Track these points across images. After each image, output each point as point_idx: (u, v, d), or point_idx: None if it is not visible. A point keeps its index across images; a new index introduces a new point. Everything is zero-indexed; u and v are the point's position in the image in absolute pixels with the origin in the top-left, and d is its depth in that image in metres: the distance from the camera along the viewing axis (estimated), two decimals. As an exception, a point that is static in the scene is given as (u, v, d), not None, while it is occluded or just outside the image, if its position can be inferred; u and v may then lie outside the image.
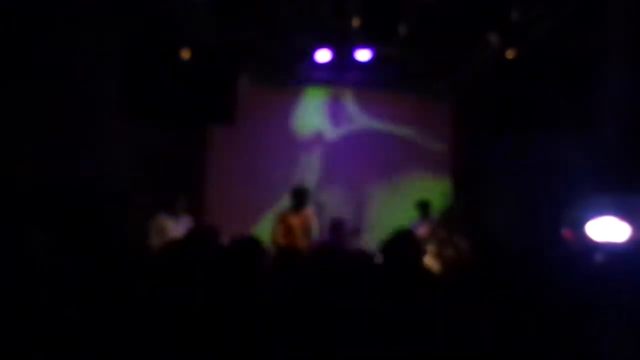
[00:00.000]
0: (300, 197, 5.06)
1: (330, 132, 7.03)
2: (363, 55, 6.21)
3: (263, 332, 1.50)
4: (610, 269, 3.10)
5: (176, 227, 4.52)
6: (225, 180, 6.59)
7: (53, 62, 4.56)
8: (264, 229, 6.25)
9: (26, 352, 1.33)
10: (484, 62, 6.12)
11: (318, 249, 2.44)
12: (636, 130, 5.33)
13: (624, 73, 5.30)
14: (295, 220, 5.00)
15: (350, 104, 7.09)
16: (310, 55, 6.31)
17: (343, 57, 6.31)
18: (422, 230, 5.37)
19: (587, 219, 4.85)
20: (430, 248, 5.08)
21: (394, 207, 6.90)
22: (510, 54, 5.60)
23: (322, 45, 6.24)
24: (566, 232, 5.10)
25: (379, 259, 2.35)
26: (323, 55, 6.26)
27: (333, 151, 6.97)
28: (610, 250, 3.97)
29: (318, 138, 7.00)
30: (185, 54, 5.93)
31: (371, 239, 5.59)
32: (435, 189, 6.89)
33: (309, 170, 6.85)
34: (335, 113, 7.06)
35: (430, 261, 4.94)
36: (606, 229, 4.78)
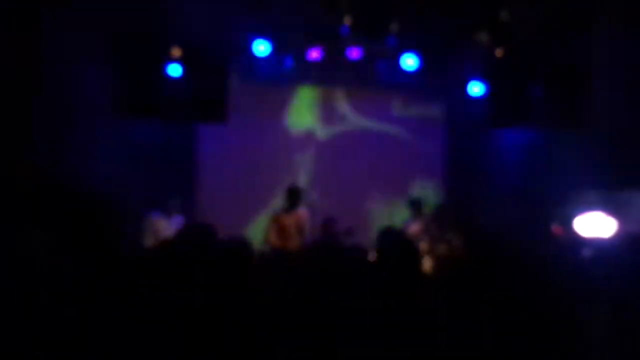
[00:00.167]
0: (294, 197, 5.07)
1: (322, 131, 7.04)
2: (354, 54, 6.23)
3: (263, 332, 1.51)
4: (597, 263, 3.15)
5: (169, 227, 4.53)
6: (216, 179, 6.57)
7: (42, 59, 4.53)
8: (257, 229, 6.26)
9: (20, 351, 1.33)
10: (476, 59, 6.18)
11: (312, 247, 2.46)
12: (624, 129, 5.41)
13: (612, 72, 5.38)
14: (288, 220, 5.01)
15: (341, 102, 7.11)
16: (302, 53, 6.31)
17: (334, 55, 6.33)
18: (414, 228, 5.41)
19: (576, 215, 4.93)
20: (423, 245, 5.13)
21: (387, 206, 6.94)
22: (499, 52, 5.67)
23: (313, 43, 6.25)
24: (556, 228, 5.18)
25: (372, 256, 2.38)
26: (314, 54, 6.21)
27: (324, 150, 6.97)
28: (598, 245, 4.03)
29: (309, 137, 7.00)
30: (176, 52, 5.91)
31: (364, 238, 5.62)
32: (427, 187, 6.94)
33: (301, 170, 6.85)
34: (327, 112, 7.06)
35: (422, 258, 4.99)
36: (594, 225, 4.86)
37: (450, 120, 7.15)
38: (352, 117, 7.09)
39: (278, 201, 6.57)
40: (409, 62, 6.24)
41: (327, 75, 6.80)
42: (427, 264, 4.84)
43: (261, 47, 6.09)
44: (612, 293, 2.31)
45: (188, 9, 5.48)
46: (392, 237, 2.66)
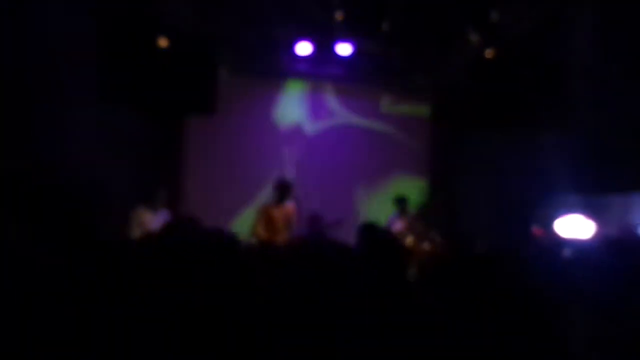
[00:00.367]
0: (283, 190, 5.07)
1: (310, 126, 7.05)
2: (344, 49, 6.24)
3: (251, 325, 1.52)
4: (576, 264, 3.23)
5: (155, 220, 4.50)
6: (203, 172, 6.55)
7: (26, 47, 4.44)
8: (244, 222, 6.26)
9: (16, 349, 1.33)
10: (464, 60, 6.23)
11: (302, 242, 2.48)
12: (604, 133, 5.52)
13: (595, 75, 5.47)
14: (277, 214, 5.02)
15: (330, 97, 7.12)
16: (292, 47, 6.31)
17: (324, 50, 6.33)
18: (399, 225, 5.46)
19: (556, 217, 5.03)
20: (407, 242, 5.19)
21: (373, 202, 6.99)
22: (489, 53, 5.72)
23: (303, 37, 6.24)
24: (536, 229, 5.29)
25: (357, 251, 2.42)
26: (304, 48, 6.26)
27: (312, 145, 6.99)
28: (577, 246, 4.13)
29: (297, 131, 7.01)
30: (163, 42, 5.84)
31: (350, 233, 5.66)
32: (413, 185, 7.01)
33: (288, 164, 6.86)
34: (315, 106, 7.07)
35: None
36: (573, 227, 4.97)
37: (437, 119, 7.21)
38: (340, 112, 7.11)
39: (265, 194, 6.59)
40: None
41: (316, 70, 6.81)
42: (410, 261, 4.90)
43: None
44: (589, 294, 2.37)
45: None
46: (372, 233, 2.70)
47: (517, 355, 1.89)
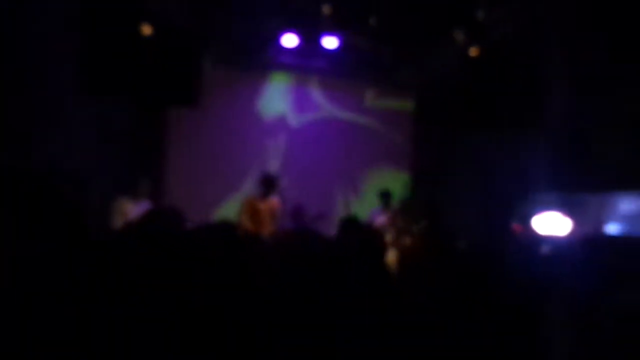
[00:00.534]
0: (268, 184, 5.11)
1: (294, 118, 7.04)
2: (331, 42, 6.23)
3: (255, 328, 1.52)
4: (553, 260, 3.32)
5: (136, 211, 4.46)
6: (186, 163, 6.49)
7: (5, 36, 4.34)
8: (226, 213, 6.24)
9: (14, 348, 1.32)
10: (449, 58, 6.29)
11: (285, 237, 2.49)
12: (581, 133, 5.65)
13: (571, 75, 5.58)
14: (262, 207, 5.05)
15: (315, 91, 7.12)
16: (277, 39, 6.28)
17: (310, 43, 6.32)
18: (381, 219, 5.51)
19: (534, 214, 5.15)
20: (389, 237, 5.24)
21: (356, 195, 7.04)
22: (474, 52, 5.78)
23: (289, 29, 6.22)
24: (516, 226, 5.40)
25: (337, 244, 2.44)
26: (290, 40, 6.23)
27: (296, 137, 6.99)
28: (554, 243, 4.23)
29: (282, 123, 6.99)
30: (147, 30, 5.75)
31: (332, 226, 5.69)
32: (396, 180, 7.07)
33: (272, 156, 6.85)
34: (300, 99, 7.06)
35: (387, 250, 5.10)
36: (551, 224, 5.09)
37: (422, 115, 7.28)
38: (325, 105, 7.12)
39: (248, 186, 6.57)
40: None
41: (302, 63, 6.79)
42: (391, 255, 4.96)
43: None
44: (565, 289, 2.44)
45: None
46: (353, 228, 2.73)
47: (497, 351, 1.93)
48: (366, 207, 6.18)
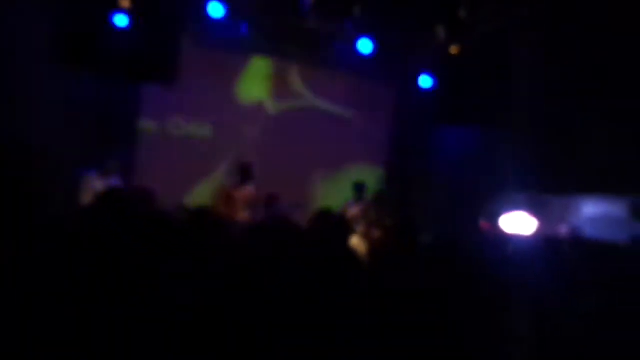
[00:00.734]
0: (244, 173, 5.10)
1: (273, 105, 6.98)
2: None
3: (257, 330, 1.50)
4: (517, 258, 3.40)
5: (105, 188, 4.38)
6: (159, 142, 6.36)
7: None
8: (199, 196, 6.17)
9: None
10: (430, 53, 6.32)
11: (258, 226, 2.48)
12: (551, 135, 5.79)
13: (542, 81, 5.69)
14: (238, 194, 5.04)
15: (295, 79, 7.06)
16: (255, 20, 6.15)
17: (291, 28, 6.25)
18: (354, 211, 5.54)
19: (503, 213, 5.27)
20: (360, 228, 5.27)
21: (331, 186, 7.05)
22: (454, 49, 5.82)
23: (270, 13, 6.12)
24: (484, 223, 5.52)
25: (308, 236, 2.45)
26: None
27: (273, 125, 6.92)
28: (520, 242, 4.33)
29: (259, 110, 6.92)
30: (124, 2, 5.57)
31: (306, 216, 5.69)
32: (370, 172, 7.10)
33: (247, 142, 6.78)
34: (279, 86, 6.99)
35: (357, 241, 5.14)
36: (517, 223, 5.23)
37: (399, 109, 7.31)
38: (304, 94, 7.07)
39: (222, 170, 6.50)
40: (365, 46, 6.29)
41: (282, 48, 6.71)
42: (362, 246, 4.99)
43: (215, 9, 5.90)
44: (528, 286, 2.51)
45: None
46: (327, 220, 2.73)
47: (458, 344, 1.97)
48: (340, 197, 6.19)
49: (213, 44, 6.44)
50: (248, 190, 5.11)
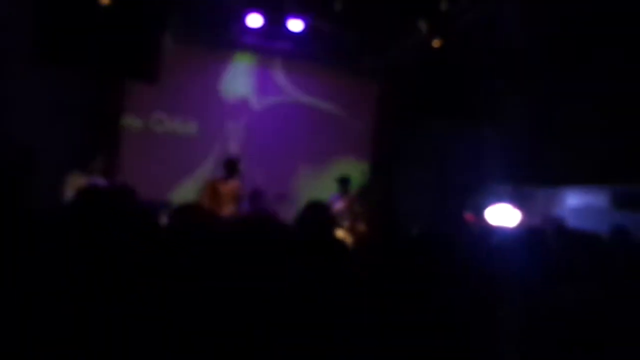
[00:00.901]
0: (231, 167, 5.09)
1: (256, 101, 6.96)
2: (295, 25, 6.16)
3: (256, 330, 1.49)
4: (501, 250, 3.44)
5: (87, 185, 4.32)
6: (144, 140, 6.32)
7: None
8: (183, 193, 6.14)
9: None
10: (413, 47, 6.34)
11: (243, 220, 2.47)
12: (534, 130, 5.86)
13: (527, 74, 5.75)
14: (224, 189, 5.02)
15: (278, 73, 7.04)
16: (242, 18, 6.15)
17: (275, 24, 6.22)
18: (339, 205, 5.56)
19: (488, 205, 5.33)
20: (345, 223, 5.30)
21: (316, 180, 7.06)
22: (436, 43, 5.84)
23: (254, 9, 6.10)
24: (469, 216, 5.58)
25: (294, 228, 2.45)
26: (254, 20, 6.12)
27: (258, 120, 6.91)
28: (504, 233, 4.39)
29: (243, 105, 6.90)
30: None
31: (291, 210, 5.70)
32: (355, 167, 7.13)
33: (232, 137, 6.76)
34: (263, 81, 6.97)
35: (343, 235, 5.17)
36: (502, 215, 5.30)
37: (384, 103, 7.33)
38: (288, 89, 7.06)
39: (208, 167, 6.48)
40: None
41: (266, 44, 6.69)
42: (347, 240, 5.02)
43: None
44: (512, 279, 2.54)
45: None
46: (315, 213, 2.73)
47: (443, 338, 1.98)
48: (324, 191, 6.20)
49: (196, 39, 6.39)
50: (234, 184, 5.10)
